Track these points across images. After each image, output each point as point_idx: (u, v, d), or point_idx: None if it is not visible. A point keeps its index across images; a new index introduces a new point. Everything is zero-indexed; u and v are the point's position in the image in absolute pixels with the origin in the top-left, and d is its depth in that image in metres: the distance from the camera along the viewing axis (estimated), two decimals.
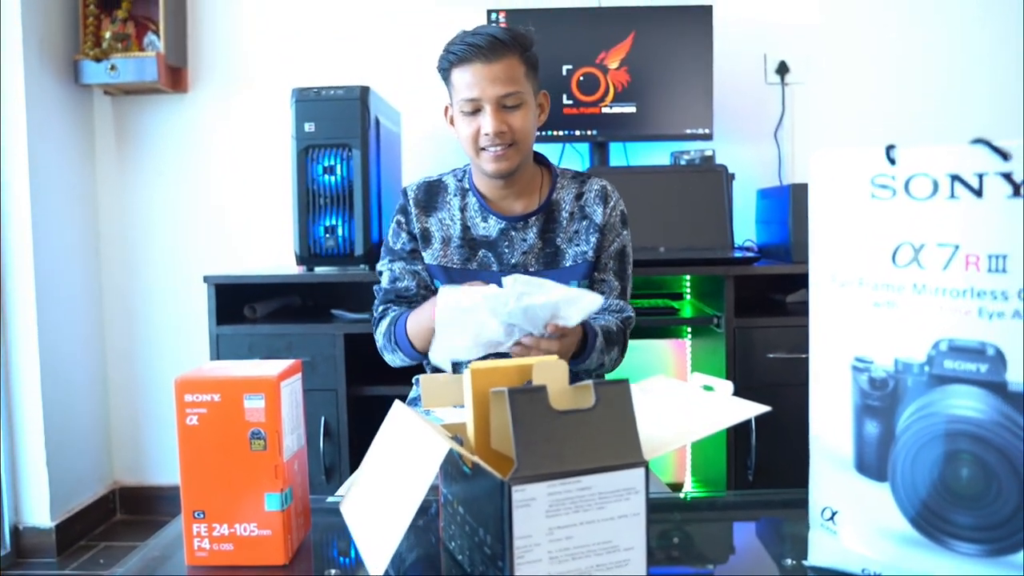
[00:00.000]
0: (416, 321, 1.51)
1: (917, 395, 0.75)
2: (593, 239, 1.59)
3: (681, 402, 0.98)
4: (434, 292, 1.60)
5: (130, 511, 2.99)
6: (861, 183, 0.80)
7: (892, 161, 0.78)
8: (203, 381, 0.87)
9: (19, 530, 2.64)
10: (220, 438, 0.86)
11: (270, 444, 0.86)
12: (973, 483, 0.71)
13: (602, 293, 1.59)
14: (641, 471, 0.72)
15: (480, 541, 0.76)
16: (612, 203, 1.61)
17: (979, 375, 0.70)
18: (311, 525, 0.97)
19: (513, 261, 1.58)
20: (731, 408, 0.92)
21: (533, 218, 1.59)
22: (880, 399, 0.79)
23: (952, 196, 0.71)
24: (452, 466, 0.86)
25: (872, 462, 0.80)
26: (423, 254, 1.61)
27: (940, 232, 0.72)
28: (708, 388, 0.98)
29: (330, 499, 1.12)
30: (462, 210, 1.61)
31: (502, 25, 1.53)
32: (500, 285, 1.53)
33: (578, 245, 1.59)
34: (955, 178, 0.71)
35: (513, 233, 1.58)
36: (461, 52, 1.47)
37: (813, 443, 0.86)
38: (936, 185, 0.73)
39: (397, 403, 0.98)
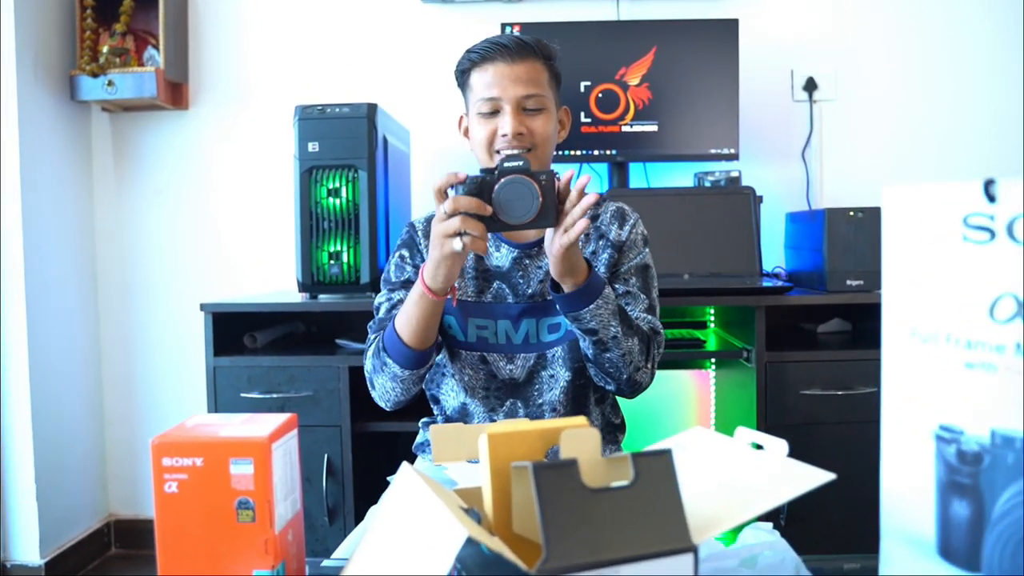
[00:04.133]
0: (401, 312, 1.35)
1: (1020, 474, 0.63)
2: (605, 256, 1.46)
3: (729, 466, 0.86)
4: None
5: (126, 545, 2.90)
6: (951, 223, 0.68)
7: (991, 198, 0.66)
8: (184, 443, 0.78)
9: (6, 568, 2.54)
10: (203, 508, 0.78)
11: (260, 515, 0.78)
12: None
13: (627, 305, 1.44)
14: (690, 558, 0.63)
15: None
16: (631, 222, 1.49)
17: None
18: None
19: (529, 292, 1.44)
20: (790, 475, 0.79)
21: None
22: (971, 476, 0.67)
23: None
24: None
25: (960, 548, 0.68)
26: None
27: None
28: (756, 446, 0.87)
29: (326, 563, 1.01)
30: None
31: (512, 35, 1.43)
32: (516, 317, 1.43)
33: (594, 266, 1.44)
34: None
35: (527, 262, 1.45)
36: (483, 51, 1.40)
37: (885, 520, 0.75)
38: None
39: (405, 467, 0.88)
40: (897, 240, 0.73)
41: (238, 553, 0.77)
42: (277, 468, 0.80)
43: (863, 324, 2.35)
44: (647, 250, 1.50)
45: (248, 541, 0.77)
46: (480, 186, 1.18)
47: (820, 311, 2.42)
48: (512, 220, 1.19)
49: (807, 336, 2.36)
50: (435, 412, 1.55)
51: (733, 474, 0.83)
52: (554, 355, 1.44)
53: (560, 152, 2.49)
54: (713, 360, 2.60)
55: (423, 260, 1.45)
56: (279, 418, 0.84)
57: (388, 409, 1.46)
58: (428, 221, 1.50)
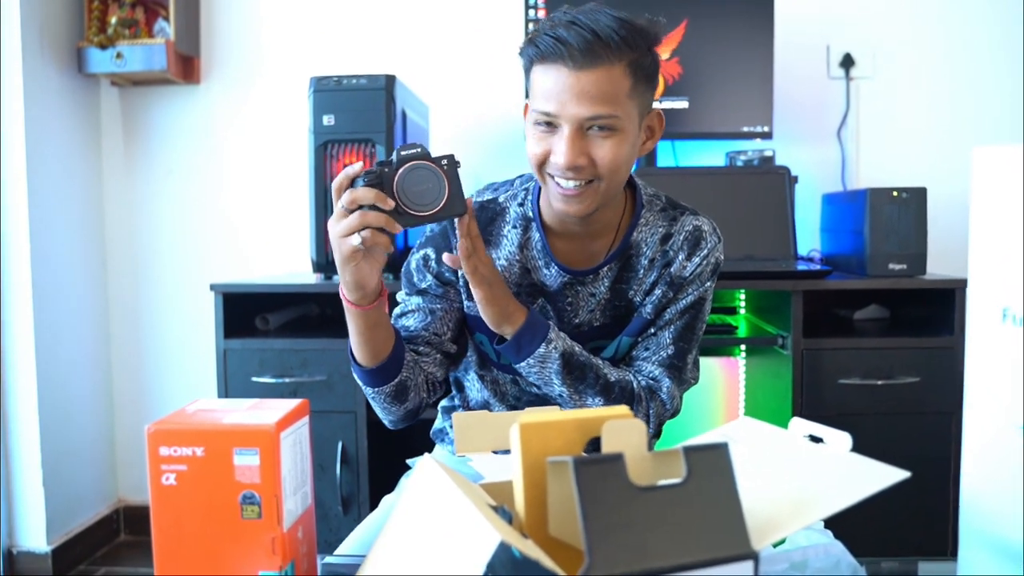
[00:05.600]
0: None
1: None
2: (659, 292, 1.26)
3: (786, 461, 0.79)
4: (445, 339, 1.30)
5: (136, 532, 2.86)
6: None
7: None
8: (183, 431, 0.73)
9: (13, 555, 2.50)
10: (203, 503, 0.72)
11: (266, 510, 0.72)
12: None
13: (644, 349, 1.29)
14: (749, 566, 0.57)
15: None
16: (705, 252, 1.26)
17: None
18: None
19: (576, 321, 1.27)
20: (857, 472, 0.71)
21: (605, 268, 1.27)
22: None
23: None
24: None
25: None
26: (467, 302, 1.29)
27: None
28: (815, 439, 0.79)
29: (329, 559, 0.94)
30: (522, 247, 1.28)
31: (600, 14, 1.13)
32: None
33: (651, 296, 1.27)
34: None
35: (579, 288, 1.27)
36: (545, 47, 1.11)
37: (965, 524, 0.70)
38: None
39: (427, 459, 0.80)
40: (988, 209, 0.67)
41: (242, 552, 0.72)
42: (286, 459, 0.74)
43: (903, 311, 2.26)
44: (710, 284, 1.30)
45: (253, 539, 0.72)
46: (379, 177, 1.07)
47: (857, 297, 2.32)
48: (419, 211, 1.08)
49: (843, 323, 2.27)
50: (456, 399, 1.43)
51: (791, 471, 0.76)
52: None
53: None
54: (743, 347, 2.50)
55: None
56: (289, 404, 0.77)
57: (393, 428, 1.34)
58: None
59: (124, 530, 2.85)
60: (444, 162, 1.09)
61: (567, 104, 1.09)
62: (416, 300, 1.30)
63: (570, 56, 1.08)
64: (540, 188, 1.27)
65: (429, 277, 1.29)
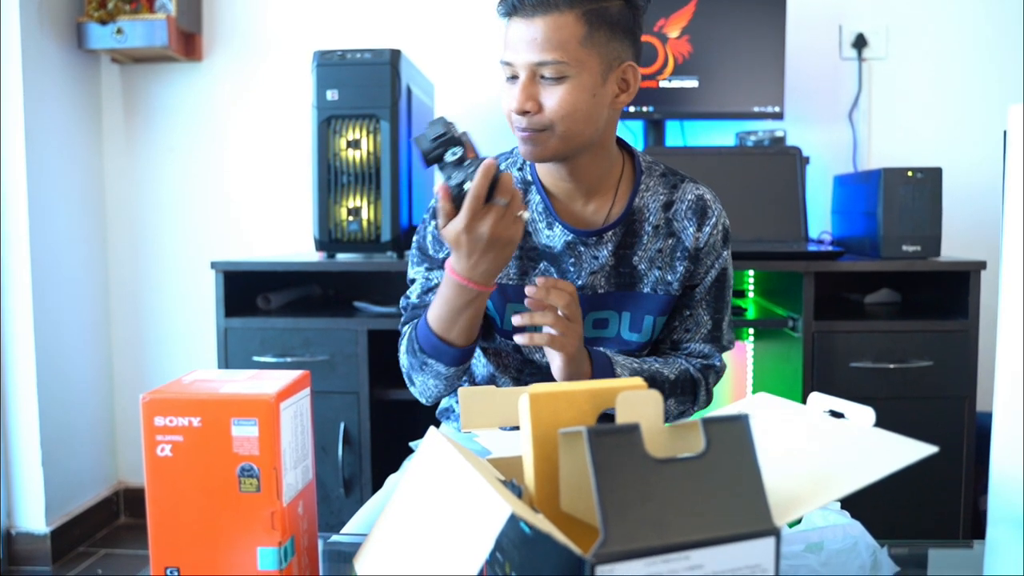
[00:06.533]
0: (434, 306, 1.20)
1: None
2: (681, 268, 1.27)
3: (806, 437, 0.76)
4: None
5: (136, 514, 2.84)
6: None
7: None
8: (179, 401, 0.70)
9: (11, 536, 2.48)
10: (200, 475, 0.69)
11: (265, 484, 0.69)
12: None
13: (686, 331, 1.31)
14: (771, 543, 0.55)
15: None
16: (713, 220, 1.28)
17: None
18: None
19: (580, 283, 1.26)
20: (882, 447, 0.68)
21: (610, 232, 1.26)
22: None
23: None
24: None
25: None
26: None
27: None
28: (836, 414, 0.76)
29: (335, 538, 0.93)
30: None
31: None
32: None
33: (660, 269, 1.27)
34: None
35: (582, 249, 1.26)
36: (506, 2, 1.15)
37: (995, 506, 0.67)
38: None
39: (432, 432, 0.78)
40: None
41: (240, 527, 0.69)
42: (286, 431, 0.71)
43: (915, 295, 2.22)
44: (727, 252, 1.32)
45: (252, 513, 0.69)
46: (489, 180, 1.08)
47: (867, 281, 2.29)
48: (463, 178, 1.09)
49: (854, 307, 2.24)
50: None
51: (813, 446, 0.73)
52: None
53: None
54: (752, 330, 2.47)
55: None
56: (289, 375, 0.75)
57: (429, 404, 1.32)
58: None
59: (124, 512, 2.83)
60: (461, 133, 1.11)
61: (519, 52, 1.14)
62: (437, 273, 1.29)
63: (523, 7, 1.13)
64: None
65: (446, 248, 1.26)
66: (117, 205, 2.80)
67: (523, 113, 1.15)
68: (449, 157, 1.07)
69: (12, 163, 2.39)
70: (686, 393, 1.27)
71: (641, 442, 0.54)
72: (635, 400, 0.63)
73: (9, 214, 2.40)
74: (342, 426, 2.04)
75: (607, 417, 0.66)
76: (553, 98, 1.14)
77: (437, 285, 1.27)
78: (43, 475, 2.46)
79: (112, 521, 2.79)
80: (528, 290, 1.13)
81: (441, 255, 1.28)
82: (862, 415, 0.73)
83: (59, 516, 2.53)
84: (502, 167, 1.29)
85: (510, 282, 1.27)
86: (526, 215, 1.10)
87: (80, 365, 2.67)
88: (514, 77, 1.16)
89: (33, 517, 2.48)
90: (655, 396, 0.63)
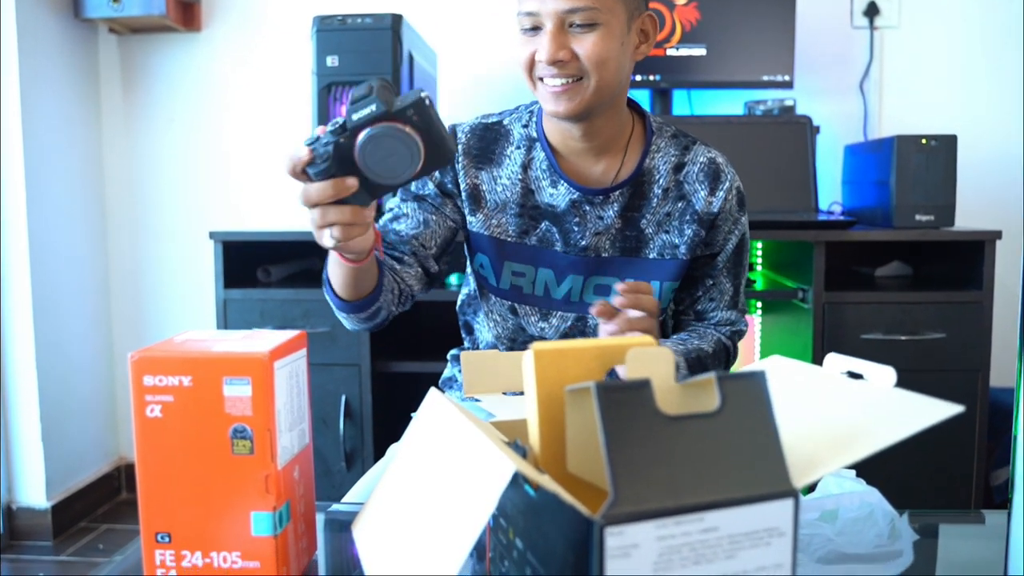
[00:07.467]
0: (328, 261, 1.12)
1: None
2: (689, 231, 1.23)
3: (824, 397, 0.72)
4: (430, 254, 1.25)
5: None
6: None
7: None
8: (169, 359, 0.68)
9: (12, 511, 2.47)
10: (191, 436, 0.67)
11: (259, 446, 0.66)
12: None
13: (710, 300, 1.30)
14: (789, 504, 0.52)
15: None
16: (727, 184, 1.24)
17: None
18: (316, 548, 0.77)
19: (584, 243, 1.23)
20: (904, 407, 0.65)
21: (617, 192, 1.23)
22: None
23: None
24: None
25: None
26: (469, 218, 1.26)
27: None
28: (854, 375, 0.72)
29: (335, 507, 0.91)
30: (525, 167, 1.24)
31: None
32: (562, 268, 1.23)
33: (667, 233, 1.24)
34: None
35: (587, 208, 1.22)
36: None
37: (1021, 467, 0.65)
38: None
39: (434, 393, 0.74)
40: None
41: (233, 490, 0.66)
42: (281, 392, 0.68)
43: (927, 267, 2.19)
44: (744, 218, 1.28)
45: (245, 476, 0.66)
46: (337, 155, 0.88)
47: (878, 253, 2.26)
48: (395, 180, 0.89)
49: (865, 280, 2.21)
50: (466, 343, 1.38)
51: (831, 407, 0.69)
52: (596, 320, 1.27)
53: None
54: (760, 302, 2.44)
55: (455, 176, 1.25)
56: (284, 334, 0.72)
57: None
58: (473, 130, 1.27)
59: (125, 487, 2.82)
60: (410, 112, 0.86)
61: (546, 0, 1.09)
62: (412, 206, 1.25)
63: None
64: (542, 111, 1.24)
65: (431, 185, 1.25)
66: (116, 177, 2.78)
67: (555, 63, 1.10)
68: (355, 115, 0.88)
69: (9, 135, 2.36)
70: (720, 363, 1.27)
71: (652, 398, 0.51)
72: (645, 356, 0.59)
73: (6, 188, 2.38)
74: (343, 399, 2.03)
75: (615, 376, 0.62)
76: (585, 46, 1.10)
77: (404, 214, 1.25)
78: (43, 450, 2.45)
79: (113, 496, 2.78)
80: (599, 307, 1.04)
81: (423, 191, 1.26)
82: (883, 375, 0.70)
83: (60, 491, 2.52)
84: (505, 122, 1.27)
85: (508, 239, 1.24)
86: (328, 242, 0.96)
87: (79, 338, 2.65)
88: (535, 28, 1.12)
89: (34, 492, 2.47)
90: (666, 352, 0.60)
